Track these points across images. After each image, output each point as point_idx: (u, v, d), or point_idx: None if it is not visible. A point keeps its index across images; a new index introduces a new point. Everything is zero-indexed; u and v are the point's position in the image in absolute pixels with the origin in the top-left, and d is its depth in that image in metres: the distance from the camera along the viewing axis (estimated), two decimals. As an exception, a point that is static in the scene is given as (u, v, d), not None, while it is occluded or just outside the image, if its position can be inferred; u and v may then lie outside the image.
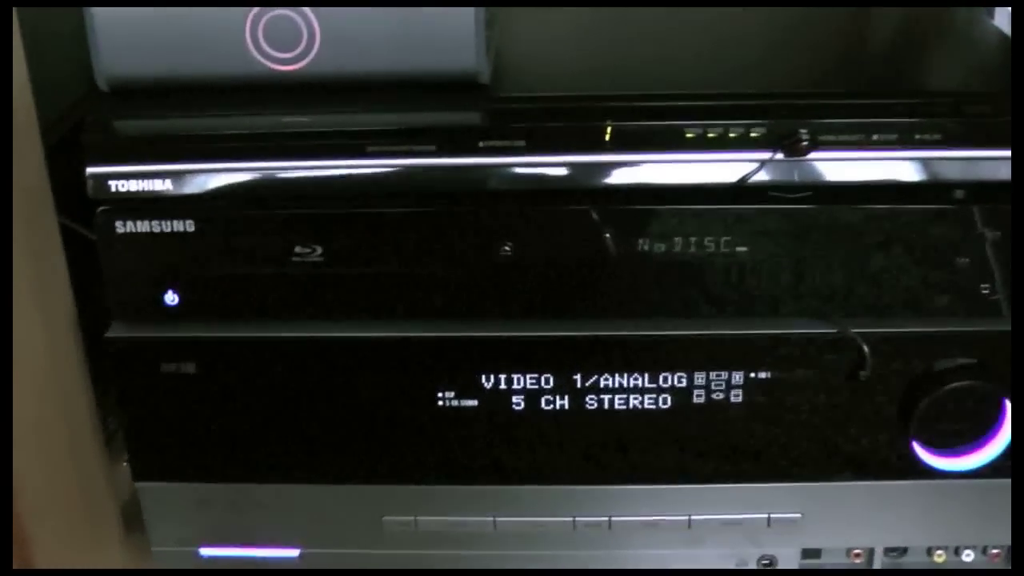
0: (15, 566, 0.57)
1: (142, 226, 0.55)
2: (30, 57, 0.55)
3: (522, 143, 0.54)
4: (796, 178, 0.55)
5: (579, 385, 0.58)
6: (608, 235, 0.55)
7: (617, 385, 0.58)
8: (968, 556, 0.63)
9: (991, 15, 0.69)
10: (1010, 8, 0.68)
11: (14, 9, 0.53)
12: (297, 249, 0.55)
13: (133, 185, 0.55)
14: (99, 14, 0.55)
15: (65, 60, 0.62)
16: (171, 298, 0.57)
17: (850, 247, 0.55)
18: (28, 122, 0.55)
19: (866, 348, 0.56)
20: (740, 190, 0.55)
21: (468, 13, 0.54)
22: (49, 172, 0.58)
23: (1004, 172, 0.54)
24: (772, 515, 0.61)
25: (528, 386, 0.58)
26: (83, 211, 0.57)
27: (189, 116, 0.56)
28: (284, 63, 0.56)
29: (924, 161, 0.54)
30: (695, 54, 0.65)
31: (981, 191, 0.55)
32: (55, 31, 0.62)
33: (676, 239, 0.55)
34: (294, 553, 0.64)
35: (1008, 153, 0.53)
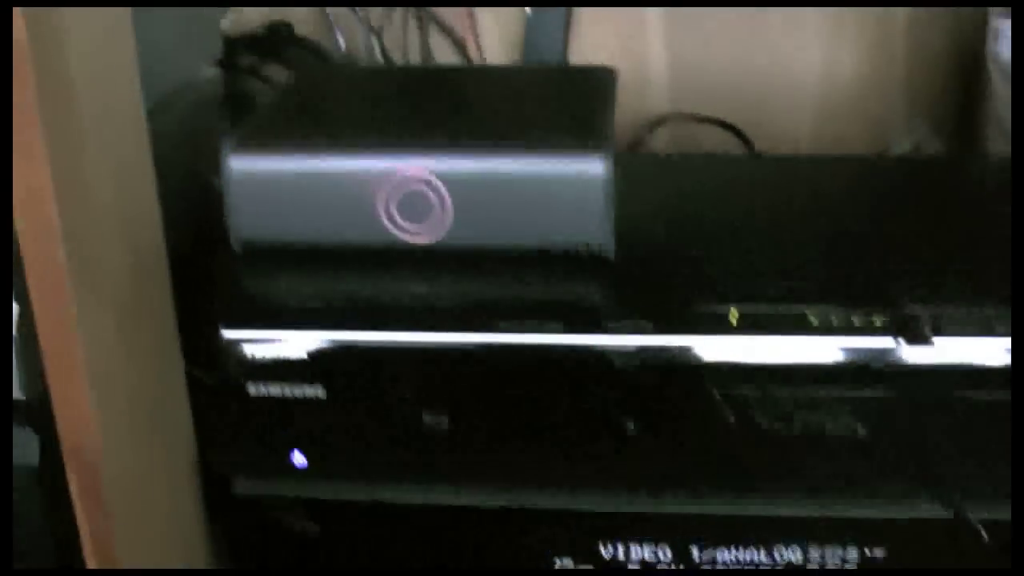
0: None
1: (273, 389, 0.57)
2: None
3: (649, 324, 0.55)
4: (915, 361, 0.55)
5: (696, 558, 0.58)
6: (729, 414, 0.56)
7: (733, 559, 0.58)
8: None
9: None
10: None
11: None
12: (426, 418, 0.57)
13: (267, 351, 0.56)
14: (235, 180, 0.57)
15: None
16: (298, 459, 0.58)
17: (971, 430, 0.56)
18: (159, 270, 0.58)
19: (984, 534, 0.56)
20: (858, 370, 0.55)
21: (598, 187, 0.56)
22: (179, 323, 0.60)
23: None
24: None
25: (646, 558, 0.58)
26: (208, 360, 0.59)
27: (323, 282, 0.58)
28: (415, 234, 0.57)
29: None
30: (809, 223, 0.66)
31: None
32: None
33: (795, 418, 0.56)
34: None
35: None
